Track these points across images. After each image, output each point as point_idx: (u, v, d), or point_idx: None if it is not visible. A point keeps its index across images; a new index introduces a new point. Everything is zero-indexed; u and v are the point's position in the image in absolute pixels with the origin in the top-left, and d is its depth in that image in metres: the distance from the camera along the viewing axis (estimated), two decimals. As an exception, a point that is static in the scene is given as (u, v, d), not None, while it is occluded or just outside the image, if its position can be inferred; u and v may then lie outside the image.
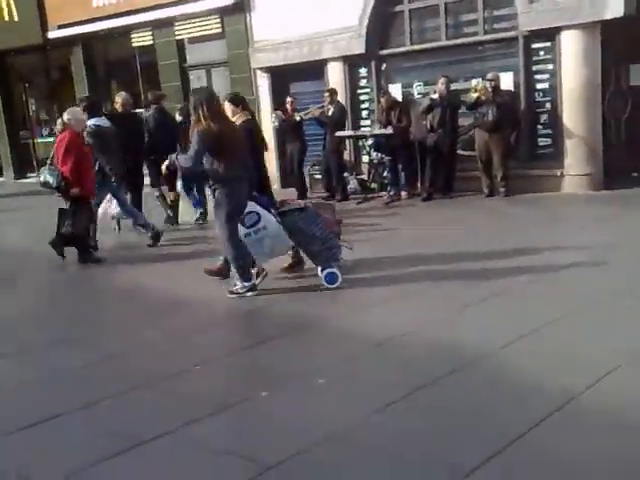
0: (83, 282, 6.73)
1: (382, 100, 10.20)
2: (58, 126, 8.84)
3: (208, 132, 5.14)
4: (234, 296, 5.43)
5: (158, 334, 4.76)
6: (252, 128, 6.06)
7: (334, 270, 5.53)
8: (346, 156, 11.17)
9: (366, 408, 3.32)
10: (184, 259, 7.07)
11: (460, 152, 10.13)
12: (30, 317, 5.52)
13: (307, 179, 11.18)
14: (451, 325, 4.49)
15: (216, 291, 5.60)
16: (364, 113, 11.48)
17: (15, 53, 15.98)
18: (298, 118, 10.63)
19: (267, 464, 2.85)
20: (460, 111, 9.87)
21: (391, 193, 10.02)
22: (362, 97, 11.43)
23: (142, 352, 4.47)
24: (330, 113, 10.42)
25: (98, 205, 7.87)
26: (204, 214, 9.13)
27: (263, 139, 6.65)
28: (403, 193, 10.10)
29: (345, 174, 10.87)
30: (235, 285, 5.49)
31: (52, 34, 14.55)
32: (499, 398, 3.38)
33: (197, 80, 13.40)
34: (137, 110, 10.59)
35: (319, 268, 5.58)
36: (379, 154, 10.33)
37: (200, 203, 9.27)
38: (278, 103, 11.53)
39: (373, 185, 10.70)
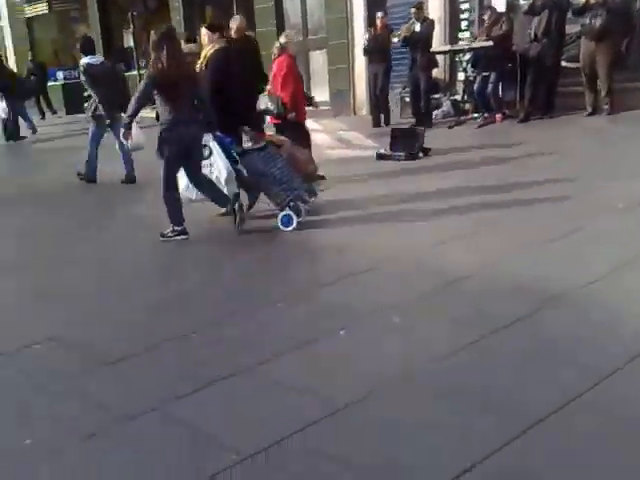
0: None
1: (485, 17, 9.60)
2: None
3: (157, 75, 5.26)
4: (164, 239, 5.56)
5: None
6: (222, 57, 5.97)
7: (289, 213, 5.57)
8: (440, 74, 10.69)
9: (442, 349, 3.30)
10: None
11: (564, 64, 9.43)
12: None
13: (398, 102, 10.85)
14: (532, 261, 4.32)
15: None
16: (463, 24, 10.82)
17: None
18: (395, 40, 10.18)
19: (338, 404, 2.91)
20: (567, 17, 9.11)
21: (485, 115, 9.56)
22: (462, 6, 10.74)
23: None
24: (417, 29, 9.92)
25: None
26: None
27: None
28: (498, 115, 9.58)
29: (437, 95, 10.44)
30: (168, 229, 5.60)
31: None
32: (579, 340, 3.26)
33: (291, 1, 13.16)
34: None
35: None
36: (475, 70, 9.81)
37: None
38: (371, 21, 11.10)
39: (467, 106, 10.24)
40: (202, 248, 5.53)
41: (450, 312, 3.75)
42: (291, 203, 5.59)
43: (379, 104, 10.73)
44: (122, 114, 6.49)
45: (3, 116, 13.30)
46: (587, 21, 8.74)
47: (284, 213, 5.58)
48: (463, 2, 10.73)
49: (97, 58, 8.45)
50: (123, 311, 4.23)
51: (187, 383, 3.21)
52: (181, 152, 5.47)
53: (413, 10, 9.98)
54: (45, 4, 17.96)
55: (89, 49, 8.42)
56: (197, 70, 5.99)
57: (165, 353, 3.59)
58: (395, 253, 4.74)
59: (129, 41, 16.25)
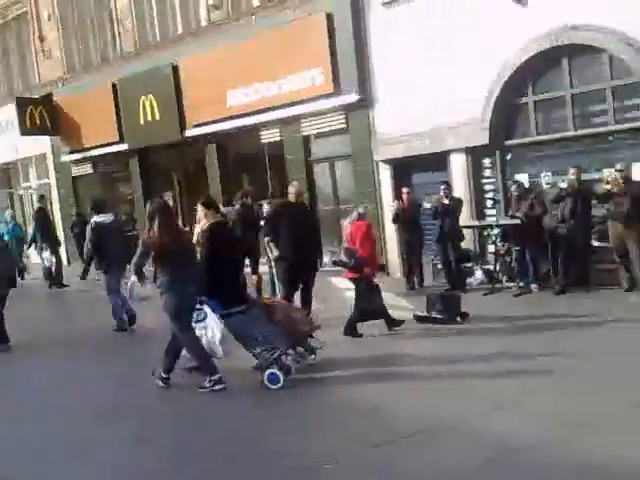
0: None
1: (513, 188, 10.15)
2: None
3: (152, 244, 5.86)
4: (203, 390, 5.83)
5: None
6: (216, 231, 6.47)
7: (274, 371, 5.82)
8: (469, 246, 11.07)
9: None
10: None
11: (595, 243, 9.76)
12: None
13: (430, 268, 11.15)
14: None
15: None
16: (489, 203, 11.40)
17: (157, 150, 17.32)
18: (428, 205, 10.73)
19: None
20: (593, 202, 9.59)
21: (520, 285, 9.76)
22: (486, 187, 11.39)
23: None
24: (447, 202, 10.49)
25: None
26: None
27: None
28: (533, 285, 9.77)
29: (469, 264, 10.75)
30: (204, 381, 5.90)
31: (189, 132, 15.71)
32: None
33: (321, 173, 13.93)
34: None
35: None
36: (505, 244, 10.17)
37: None
38: (398, 193, 11.75)
39: (500, 276, 10.47)
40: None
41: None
42: (276, 361, 5.86)
43: (412, 269, 11.06)
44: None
45: (47, 264, 14.63)
46: (612, 207, 9.13)
47: (270, 371, 5.84)
48: (487, 184, 11.33)
49: (107, 217, 9.59)
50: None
51: None
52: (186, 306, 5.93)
53: (443, 187, 10.57)
54: (90, 165, 19.12)
55: (100, 207, 9.76)
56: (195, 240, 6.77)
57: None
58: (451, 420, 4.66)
59: (170, 202, 17.03)
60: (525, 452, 4.03)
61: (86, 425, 5.32)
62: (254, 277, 10.20)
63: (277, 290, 9.28)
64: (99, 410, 5.65)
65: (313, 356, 6.53)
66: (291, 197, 8.54)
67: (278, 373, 5.81)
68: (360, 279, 7.85)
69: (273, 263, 8.31)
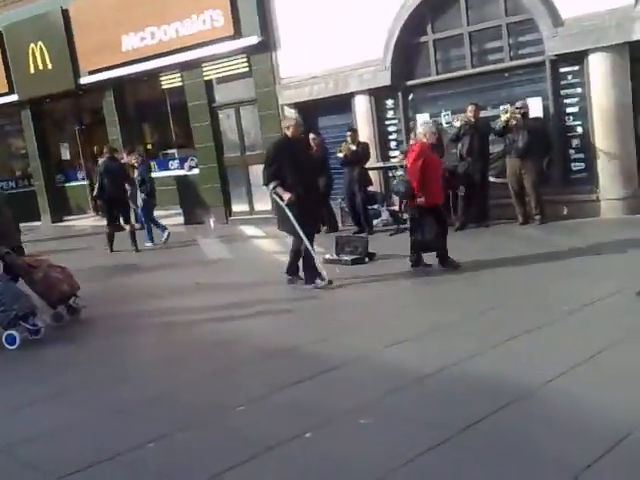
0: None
1: (411, 125, 10.28)
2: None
3: None
4: None
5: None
6: None
7: (12, 332, 5.88)
8: (375, 187, 11.19)
9: (411, 449, 3.26)
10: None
11: (492, 179, 10.07)
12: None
13: (338, 212, 11.21)
14: (496, 358, 4.41)
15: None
16: (392, 144, 11.51)
17: (50, 100, 16.41)
18: (340, 155, 10.59)
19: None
20: (490, 138, 9.85)
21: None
22: (390, 128, 11.48)
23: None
24: (354, 149, 10.47)
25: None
26: None
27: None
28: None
29: (375, 206, 10.88)
30: None
31: (84, 80, 14.94)
32: (552, 434, 3.29)
33: (226, 119, 13.62)
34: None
35: None
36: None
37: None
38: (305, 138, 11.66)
39: (405, 216, 10.67)
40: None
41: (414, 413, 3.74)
42: (13, 322, 5.89)
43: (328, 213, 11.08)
44: None
45: None
46: (510, 141, 9.41)
47: (7, 332, 5.89)
48: (390, 125, 11.41)
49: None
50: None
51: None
52: None
53: (349, 133, 10.55)
54: (-22, 118, 17.98)
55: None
56: None
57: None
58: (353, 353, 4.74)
59: (66, 154, 16.33)
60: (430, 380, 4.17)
61: None
62: (127, 227, 11.18)
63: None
64: None
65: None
66: (290, 131, 7.26)
67: (15, 334, 5.85)
68: (420, 208, 7.32)
69: (287, 209, 7.01)
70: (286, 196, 7.00)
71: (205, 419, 3.93)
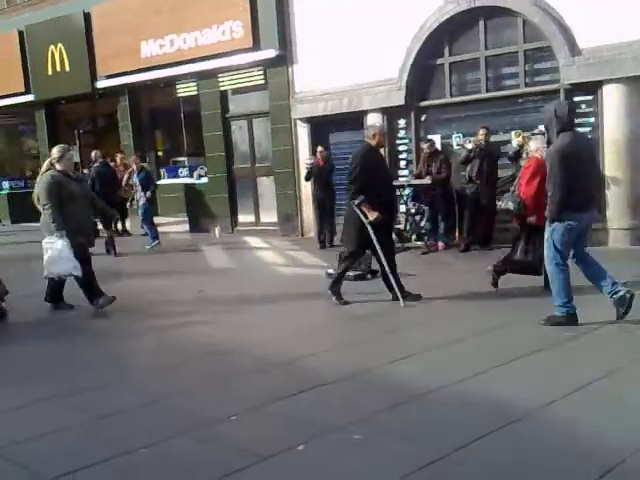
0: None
1: (424, 146, 10.28)
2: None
3: None
4: None
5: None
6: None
7: None
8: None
9: (403, 466, 3.22)
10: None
11: (499, 203, 10.03)
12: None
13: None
14: (495, 379, 4.36)
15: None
16: (402, 163, 11.53)
17: (65, 102, 16.54)
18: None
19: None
20: (500, 162, 9.85)
21: (428, 243, 9.96)
22: (400, 147, 11.50)
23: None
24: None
25: None
26: None
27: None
28: (440, 244, 10.04)
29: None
30: None
31: (100, 83, 15.05)
32: (547, 458, 3.24)
33: (239, 130, 13.68)
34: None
35: None
36: (417, 204, 10.34)
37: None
38: (315, 153, 11.70)
39: (412, 235, 10.65)
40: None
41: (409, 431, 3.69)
42: None
43: (322, 228, 11.10)
44: None
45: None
46: (520, 167, 9.38)
47: None
48: (401, 144, 11.44)
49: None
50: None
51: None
52: None
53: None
54: (-8, 116, 18.12)
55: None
56: None
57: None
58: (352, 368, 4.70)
59: (75, 157, 16.36)
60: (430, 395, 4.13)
61: None
62: (107, 232, 11.14)
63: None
64: None
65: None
66: (375, 140, 6.75)
67: None
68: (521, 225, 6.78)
69: (370, 228, 6.54)
70: (373, 215, 6.48)
71: (198, 427, 3.88)
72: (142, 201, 11.94)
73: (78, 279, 6.89)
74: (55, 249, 6.63)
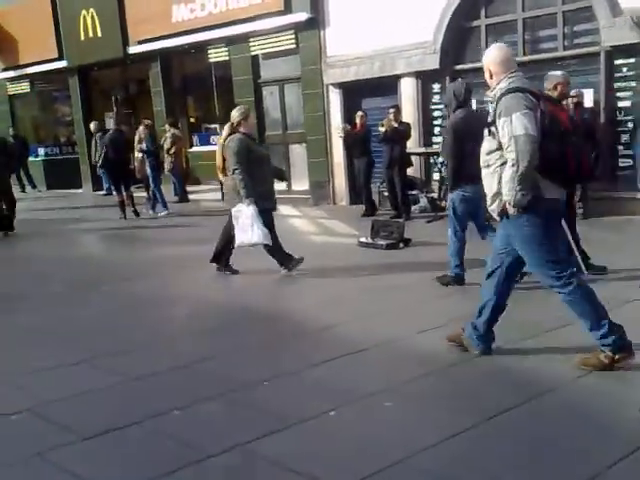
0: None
1: None
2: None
3: None
4: None
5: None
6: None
7: None
8: (415, 173, 11.05)
9: (436, 434, 3.21)
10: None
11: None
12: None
13: (376, 195, 11.11)
14: (528, 351, 4.31)
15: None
16: (436, 130, 11.34)
17: (98, 68, 16.58)
18: (382, 129, 10.40)
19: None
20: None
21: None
22: (435, 113, 11.30)
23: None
24: (396, 126, 10.26)
25: None
26: None
27: None
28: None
29: (414, 192, 10.74)
30: None
31: (132, 49, 15.04)
32: (579, 429, 3.21)
33: (270, 95, 13.57)
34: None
35: None
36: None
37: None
38: (348, 118, 11.58)
39: (444, 203, 10.51)
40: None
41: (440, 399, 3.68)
42: None
43: (360, 195, 11.03)
44: None
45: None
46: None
47: None
48: (435, 110, 11.23)
49: None
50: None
51: (174, 463, 3.06)
52: None
53: (391, 111, 10.34)
54: (27, 83, 18.24)
55: None
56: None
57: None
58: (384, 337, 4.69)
59: (110, 123, 16.45)
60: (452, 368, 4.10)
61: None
62: (124, 195, 11.86)
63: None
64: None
65: None
66: (557, 92, 5.84)
67: None
68: None
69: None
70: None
71: (233, 391, 3.92)
72: (148, 170, 12.39)
73: (267, 246, 6.60)
74: (245, 217, 6.29)
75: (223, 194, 8.98)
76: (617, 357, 3.77)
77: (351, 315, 5.36)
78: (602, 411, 3.39)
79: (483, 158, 3.96)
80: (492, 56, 4.02)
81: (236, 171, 6.39)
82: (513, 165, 3.66)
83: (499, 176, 3.81)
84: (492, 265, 4.12)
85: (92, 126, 14.86)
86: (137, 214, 12.09)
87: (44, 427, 3.55)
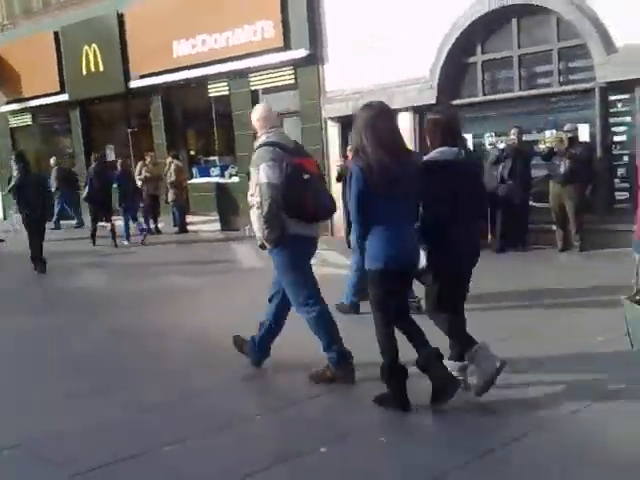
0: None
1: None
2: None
3: None
4: None
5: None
6: None
7: None
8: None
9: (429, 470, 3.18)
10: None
11: (533, 204, 9.91)
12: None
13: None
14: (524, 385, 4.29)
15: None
16: (434, 163, 11.39)
17: (99, 101, 16.76)
18: None
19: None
20: (533, 162, 9.71)
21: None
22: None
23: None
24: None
25: None
26: None
27: None
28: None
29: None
30: None
31: (134, 83, 15.23)
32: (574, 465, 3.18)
33: (269, 129, 13.66)
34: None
35: None
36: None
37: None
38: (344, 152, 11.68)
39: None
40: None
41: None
42: None
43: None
44: None
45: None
46: (553, 166, 9.28)
47: None
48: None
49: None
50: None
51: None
52: None
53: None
54: (29, 116, 18.43)
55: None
56: None
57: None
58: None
59: (111, 155, 16.59)
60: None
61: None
62: (108, 225, 12.68)
63: None
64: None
65: None
66: None
67: None
68: None
69: None
70: None
71: (226, 425, 3.89)
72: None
73: None
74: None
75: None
76: (335, 372, 4.44)
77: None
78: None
79: (249, 199, 4.52)
80: (256, 114, 4.64)
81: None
82: (258, 208, 4.31)
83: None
84: (271, 290, 4.70)
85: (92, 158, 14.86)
86: (116, 245, 12.64)
87: (32, 463, 3.52)
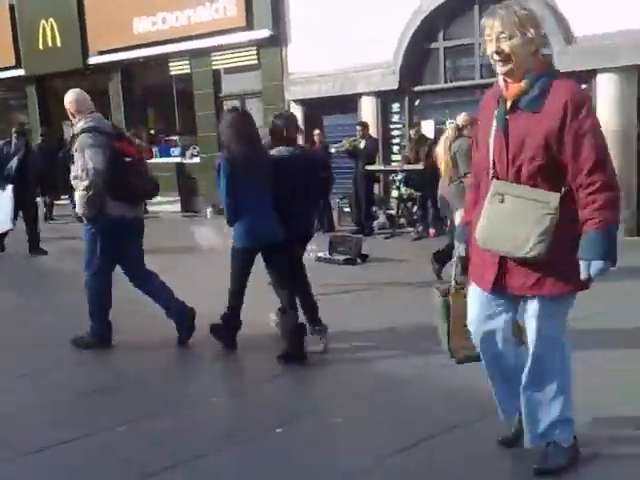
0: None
1: (411, 132, 10.25)
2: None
3: None
4: None
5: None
6: None
7: None
8: (376, 190, 11.15)
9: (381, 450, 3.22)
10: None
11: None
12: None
13: (335, 212, 11.16)
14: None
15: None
16: (395, 148, 11.50)
17: (57, 77, 16.34)
18: (333, 150, 10.59)
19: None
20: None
21: (419, 229, 9.95)
22: (394, 132, 11.47)
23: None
24: (362, 146, 10.42)
25: None
26: None
27: None
28: (431, 230, 9.99)
29: (374, 208, 10.84)
30: None
31: (92, 59, 14.89)
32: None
33: (230, 109, 13.55)
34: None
35: None
36: (408, 189, 10.32)
37: None
38: (309, 135, 11.62)
39: (402, 220, 10.64)
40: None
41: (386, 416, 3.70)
42: None
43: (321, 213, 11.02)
44: None
45: None
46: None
47: None
48: (394, 129, 11.39)
49: None
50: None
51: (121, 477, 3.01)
52: None
53: (359, 128, 10.49)
54: (-17, 90, 17.93)
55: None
56: None
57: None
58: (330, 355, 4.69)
59: (68, 132, 16.16)
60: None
61: None
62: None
63: None
64: None
65: None
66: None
67: None
68: None
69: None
70: None
71: (179, 406, 3.88)
72: None
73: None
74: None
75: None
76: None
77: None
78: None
79: (72, 182, 4.75)
80: (69, 99, 4.87)
81: (467, 174, 5.79)
82: (84, 189, 4.59)
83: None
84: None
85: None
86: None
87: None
